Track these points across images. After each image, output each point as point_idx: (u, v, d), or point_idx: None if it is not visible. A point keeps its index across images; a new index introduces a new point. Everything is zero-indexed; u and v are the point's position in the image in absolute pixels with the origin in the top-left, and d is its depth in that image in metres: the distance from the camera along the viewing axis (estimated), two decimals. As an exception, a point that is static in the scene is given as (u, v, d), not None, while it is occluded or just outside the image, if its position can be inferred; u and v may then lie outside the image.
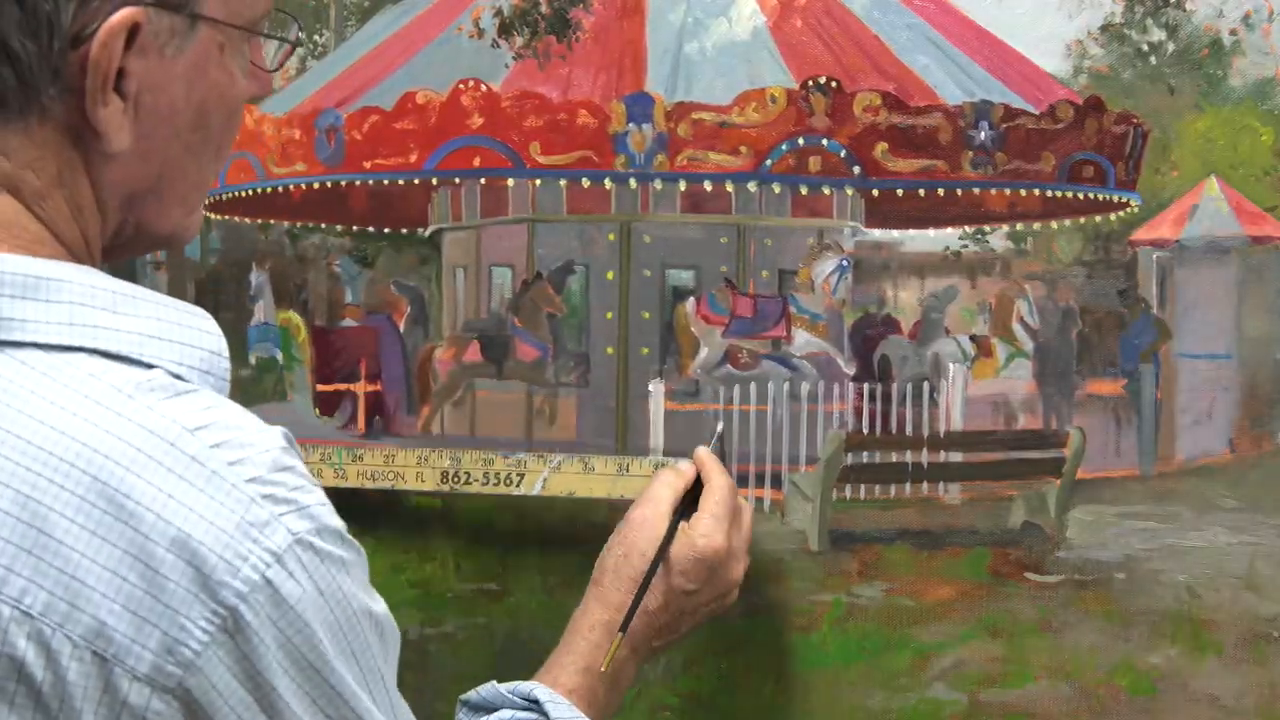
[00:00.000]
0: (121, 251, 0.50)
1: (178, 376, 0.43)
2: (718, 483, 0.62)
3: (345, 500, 0.52)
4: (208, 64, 0.48)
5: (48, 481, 0.41)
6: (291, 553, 0.42)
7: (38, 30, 0.45)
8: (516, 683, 0.57)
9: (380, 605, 0.45)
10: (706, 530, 0.60)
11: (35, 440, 0.42)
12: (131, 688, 0.40)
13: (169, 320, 0.45)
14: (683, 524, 0.60)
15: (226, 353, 0.47)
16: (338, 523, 0.44)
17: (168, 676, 0.40)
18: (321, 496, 0.43)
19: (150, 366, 0.43)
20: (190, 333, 0.46)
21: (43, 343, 0.44)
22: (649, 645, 0.61)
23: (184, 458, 0.41)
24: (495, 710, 0.57)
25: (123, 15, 0.45)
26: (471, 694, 0.59)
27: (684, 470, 0.62)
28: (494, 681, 0.57)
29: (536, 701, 0.57)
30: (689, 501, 0.60)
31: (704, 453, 0.63)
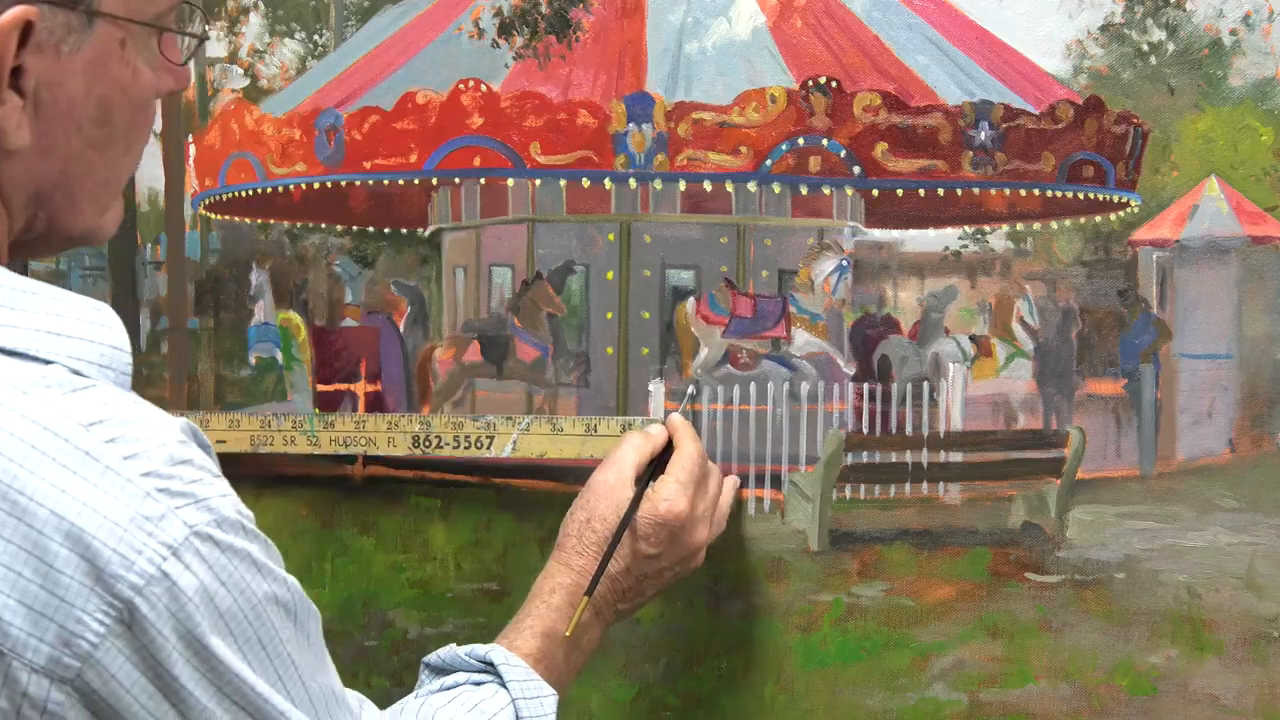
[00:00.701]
0: (36, 247, 0.51)
1: (76, 372, 0.44)
2: (686, 449, 0.62)
3: (345, 501, 0.52)
4: (108, 60, 0.48)
5: None
6: (189, 545, 0.42)
7: None
8: (473, 645, 0.58)
9: (289, 590, 0.45)
10: (669, 494, 0.61)
11: None
12: (30, 679, 0.40)
13: (68, 315, 0.46)
14: (648, 489, 0.60)
15: (127, 346, 0.47)
16: (239, 513, 0.44)
17: (65, 669, 0.41)
18: (223, 488, 0.43)
19: (48, 363, 0.44)
20: (89, 328, 0.46)
21: None
22: (613, 609, 0.62)
23: (77, 453, 0.42)
24: (453, 672, 0.58)
25: (14, 14, 0.45)
26: (432, 656, 0.59)
27: (652, 434, 0.63)
28: (453, 645, 0.58)
29: (491, 664, 0.57)
30: (656, 466, 0.60)
31: (676, 418, 0.64)
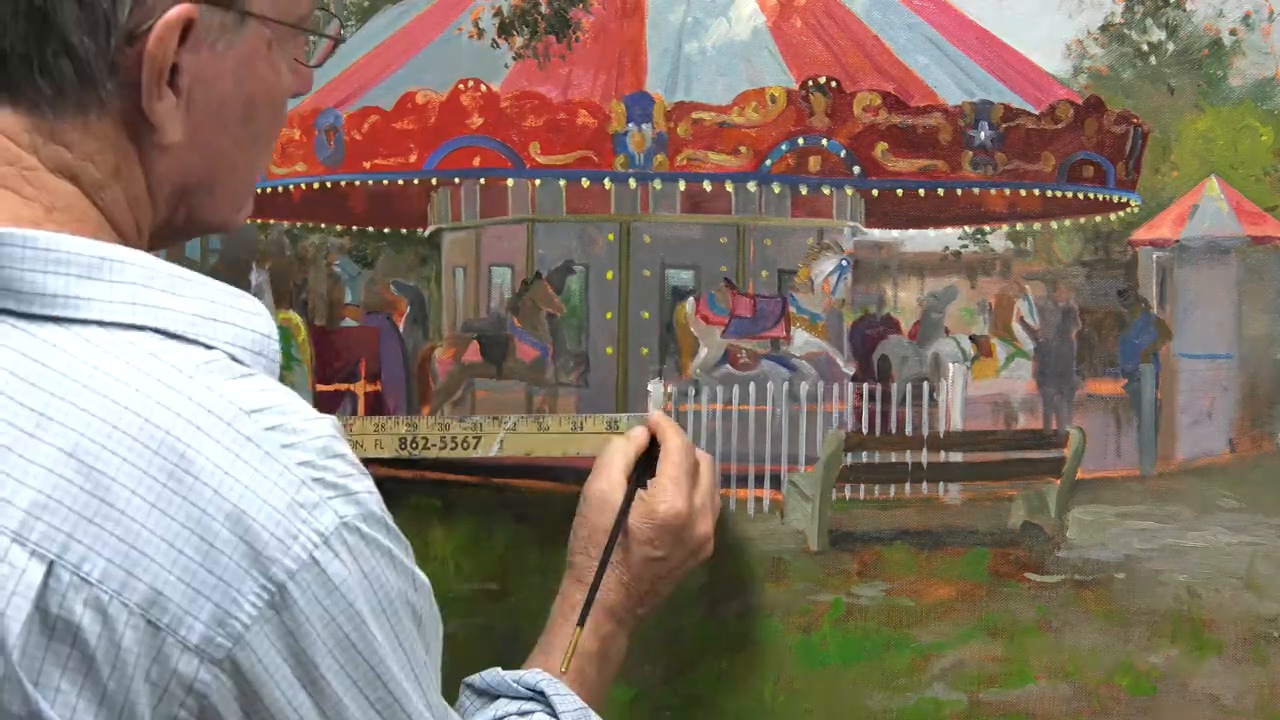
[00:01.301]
0: (173, 237, 0.51)
1: (234, 358, 0.44)
2: (673, 444, 0.62)
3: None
4: (256, 60, 0.49)
5: (110, 453, 0.42)
6: (338, 535, 0.43)
7: (95, 27, 0.46)
8: (521, 671, 0.58)
9: (420, 594, 0.46)
10: (665, 495, 0.61)
11: (99, 414, 0.42)
12: (182, 657, 0.41)
13: (221, 302, 0.46)
14: (640, 492, 0.59)
15: (276, 335, 0.48)
16: (384, 512, 0.45)
17: (217, 648, 0.41)
18: (370, 485, 0.44)
19: (210, 347, 0.44)
20: (242, 315, 0.47)
21: (107, 320, 0.45)
22: (634, 615, 0.61)
23: (240, 437, 0.42)
24: (498, 698, 0.57)
25: (178, 11, 0.46)
26: (476, 678, 0.59)
27: (636, 436, 0.62)
28: (499, 668, 0.58)
29: (542, 693, 0.57)
30: (645, 465, 0.60)
31: (656, 415, 0.63)
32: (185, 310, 0.46)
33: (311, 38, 0.52)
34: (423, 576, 0.46)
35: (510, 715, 0.57)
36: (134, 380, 0.43)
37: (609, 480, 0.61)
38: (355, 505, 0.44)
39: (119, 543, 0.41)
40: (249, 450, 0.42)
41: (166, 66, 0.46)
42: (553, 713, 0.57)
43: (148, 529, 0.42)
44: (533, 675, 0.58)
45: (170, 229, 0.51)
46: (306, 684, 0.42)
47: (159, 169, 0.48)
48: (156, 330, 0.45)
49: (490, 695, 0.58)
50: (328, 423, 0.44)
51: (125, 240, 0.47)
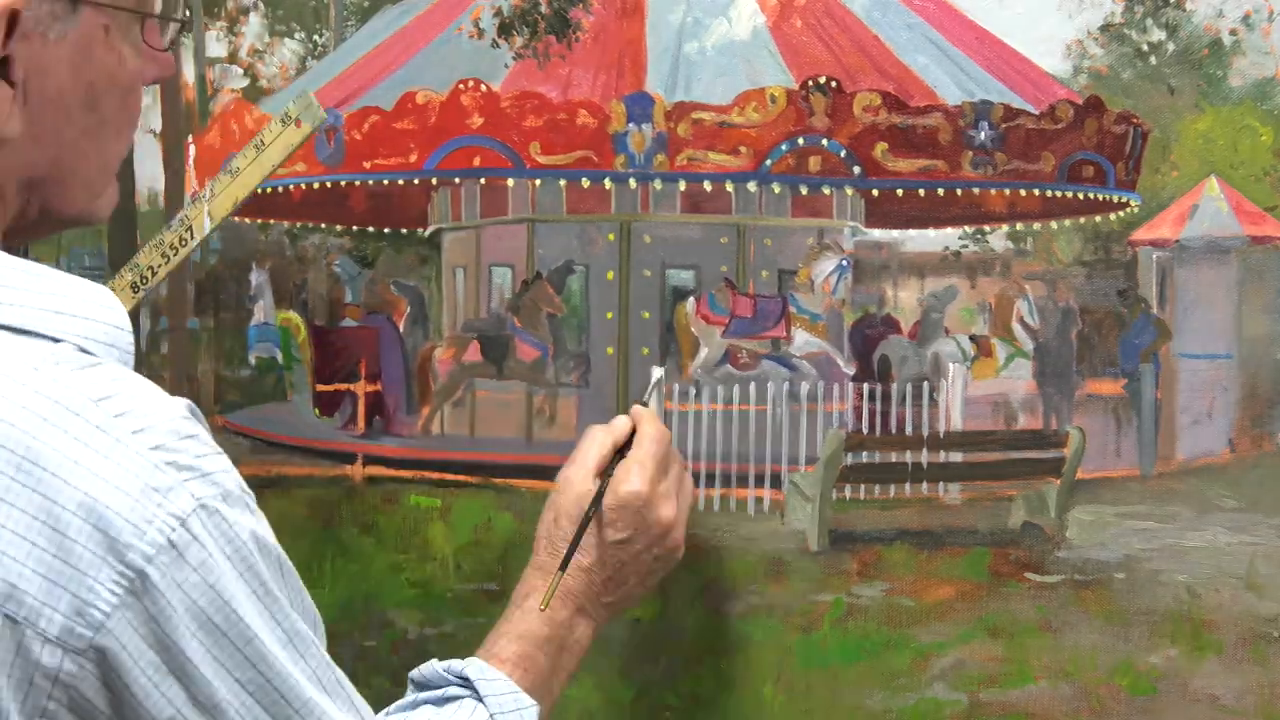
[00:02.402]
0: (31, 232, 0.51)
1: (84, 350, 0.44)
2: (646, 433, 0.61)
3: (345, 501, 0.52)
4: (93, 46, 0.48)
5: None
6: (195, 517, 0.42)
7: None
8: (453, 660, 0.57)
9: (288, 575, 0.45)
10: (627, 476, 0.60)
11: None
12: (44, 650, 0.41)
13: (72, 295, 0.46)
14: (609, 478, 0.59)
15: (129, 326, 0.48)
16: (242, 489, 0.44)
17: (78, 638, 0.41)
18: (225, 463, 0.43)
19: (57, 340, 0.44)
20: (93, 307, 0.46)
21: None
22: (598, 603, 0.60)
23: (89, 426, 0.42)
24: (433, 688, 0.57)
25: (0, 4, 0.45)
26: (415, 671, 0.58)
27: (615, 427, 0.62)
28: (434, 659, 0.57)
29: (467, 679, 0.56)
30: (619, 456, 0.59)
31: (638, 407, 0.63)
32: (32, 305, 0.45)
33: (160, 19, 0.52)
34: (282, 553, 0.46)
35: (428, 703, 0.56)
36: None
37: (580, 469, 0.61)
38: (212, 485, 0.43)
39: None
40: (98, 438, 0.42)
41: None
42: (479, 697, 0.56)
43: None
44: (462, 662, 0.57)
45: (26, 223, 0.50)
46: (174, 669, 0.42)
47: (1, 163, 0.48)
48: (2, 326, 0.45)
49: (426, 686, 0.58)
50: (181, 405, 0.44)
51: None
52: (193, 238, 0.59)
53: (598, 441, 0.61)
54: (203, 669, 0.41)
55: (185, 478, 0.42)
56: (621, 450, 0.59)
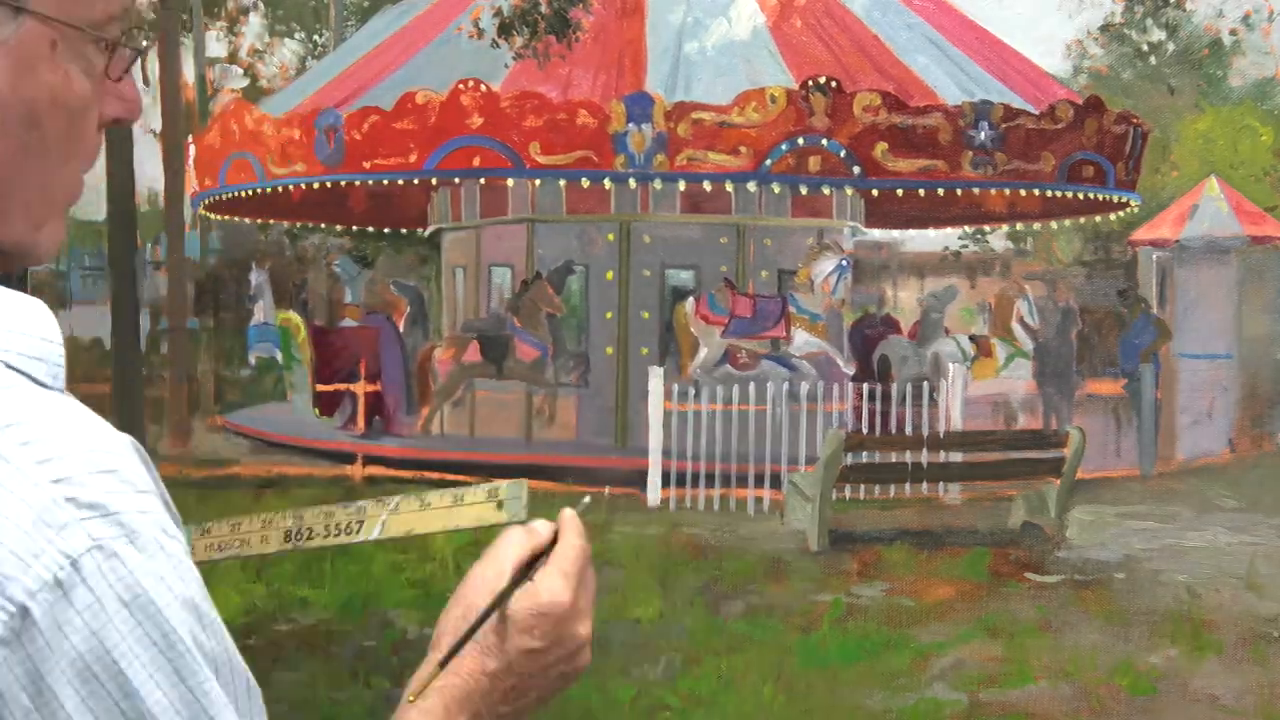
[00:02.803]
0: None
1: (9, 366, 0.42)
2: (572, 542, 0.59)
3: (344, 502, 0.52)
4: (36, 61, 0.46)
5: None
6: (90, 557, 0.40)
7: None
8: None
9: (203, 626, 0.42)
10: (551, 585, 0.57)
11: None
12: None
13: None
14: (528, 583, 0.57)
15: (59, 338, 0.45)
16: (161, 531, 0.41)
17: None
18: (144, 504, 0.41)
19: None
20: (19, 320, 0.44)
21: None
22: (494, 710, 0.57)
23: None
24: None
25: None
26: None
27: (537, 529, 0.59)
28: None
29: None
30: (537, 561, 0.57)
31: (567, 512, 0.60)
32: None
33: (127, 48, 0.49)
34: (210, 610, 0.43)
35: None
36: None
37: (496, 567, 0.58)
38: (115, 526, 0.41)
39: None
40: None
41: None
42: None
43: None
44: None
45: None
46: (45, 715, 0.40)
47: None
48: None
49: None
50: (106, 437, 0.41)
51: None
52: (356, 535, 0.57)
53: (516, 542, 0.59)
54: (74, 716, 0.39)
55: (84, 515, 0.39)
56: (538, 557, 0.57)
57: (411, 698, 0.53)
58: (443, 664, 0.54)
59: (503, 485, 0.55)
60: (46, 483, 0.39)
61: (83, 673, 0.39)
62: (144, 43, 0.49)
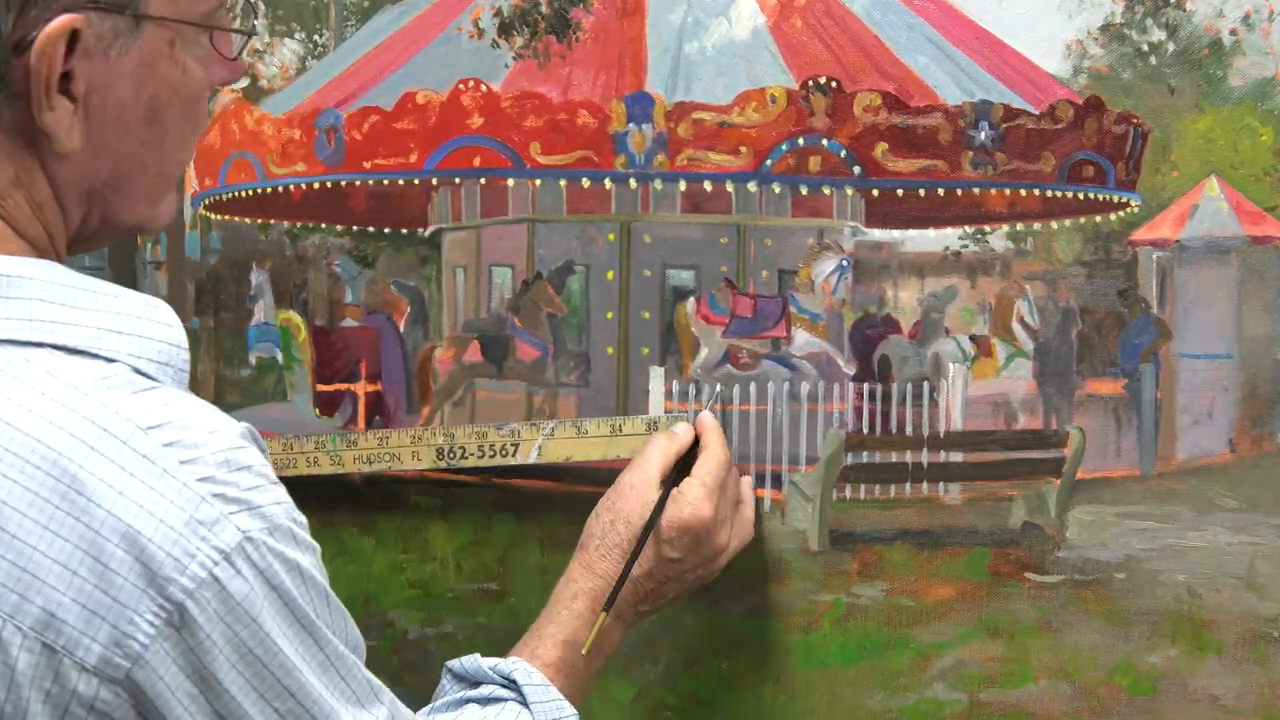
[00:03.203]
0: (93, 241, 0.51)
1: (139, 371, 0.44)
2: (714, 451, 0.62)
3: (345, 500, 0.52)
4: (157, 61, 0.49)
5: (2, 476, 0.41)
6: (240, 551, 0.42)
7: None
8: (498, 659, 0.57)
9: (333, 610, 0.45)
10: (694, 499, 0.60)
11: None
12: (80, 678, 0.41)
13: (128, 314, 0.46)
14: (672, 491, 0.59)
15: (185, 344, 0.48)
16: (293, 521, 0.44)
17: (115, 668, 0.41)
18: (278, 495, 0.43)
19: (111, 361, 0.44)
20: (149, 325, 0.46)
21: (3, 338, 0.44)
22: (634, 611, 0.61)
23: (135, 455, 0.42)
24: (477, 684, 0.57)
25: (60, 22, 0.45)
26: (455, 663, 0.58)
27: (679, 435, 0.62)
28: (478, 655, 0.57)
29: (514, 682, 0.56)
30: (682, 467, 0.59)
31: (706, 417, 0.63)
32: (88, 324, 0.45)
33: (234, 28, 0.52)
34: (327, 585, 0.46)
35: (473, 702, 0.56)
36: (27, 400, 0.42)
37: (644, 475, 0.61)
38: (260, 519, 0.43)
39: (11, 566, 0.41)
40: (144, 468, 0.42)
41: (54, 77, 0.46)
42: (524, 702, 0.56)
43: (40, 552, 0.41)
44: (509, 663, 0.57)
45: (87, 232, 0.50)
46: (211, 700, 0.41)
47: (62, 175, 0.48)
48: (55, 346, 0.44)
49: (468, 680, 0.57)
50: (233, 434, 0.43)
51: (36, 248, 0.46)
52: (511, 457, 0.59)
53: (661, 449, 0.61)
54: (240, 700, 0.41)
55: (232, 510, 0.42)
56: (683, 461, 0.59)
57: (585, 651, 0.56)
58: (606, 608, 0.56)
59: (662, 417, 0.56)
60: (194, 481, 0.41)
61: (245, 656, 0.41)
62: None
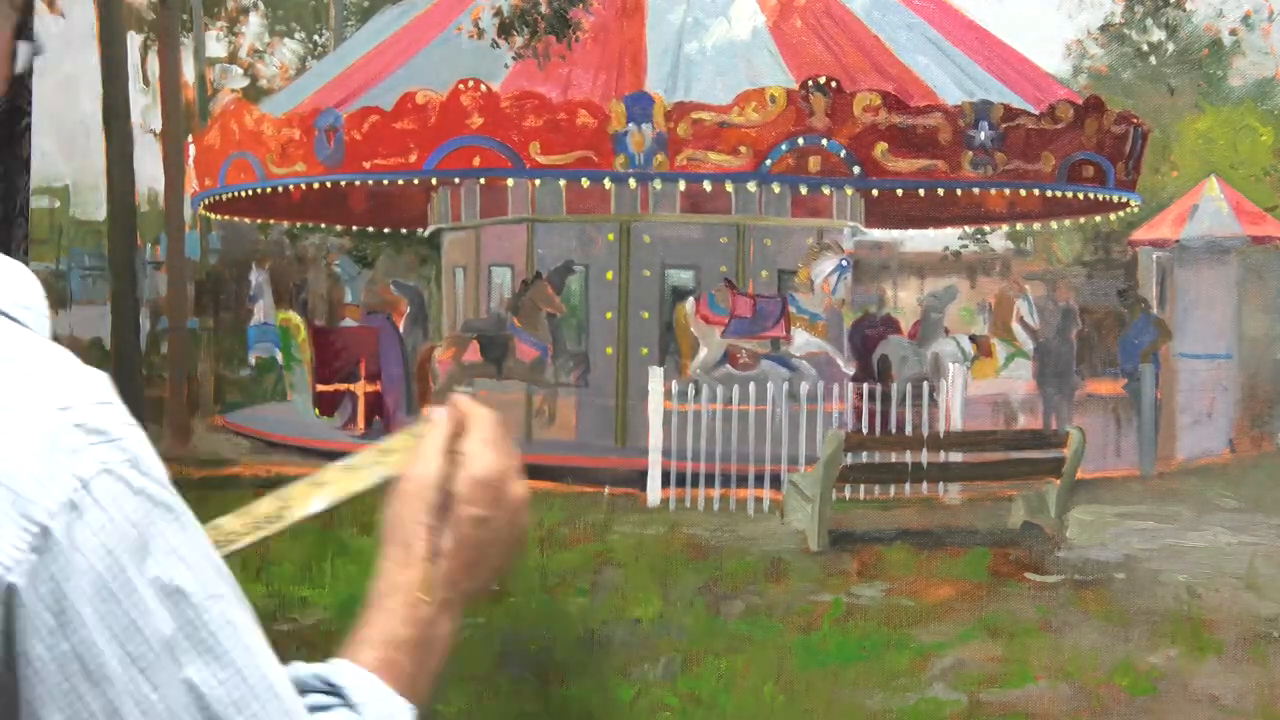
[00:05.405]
0: None
1: (4, 313, 0.44)
2: (481, 413, 0.60)
3: (345, 500, 0.52)
4: None
5: None
6: (101, 480, 0.41)
7: None
8: (317, 665, 0.54)
9: (204, 548, 0.44)
10: (479, 453, 0.58)
11: None
12: None
13: None
14: (456, 456, 0.57)
15: (42, 293, 0.47)
16: (155, 463, 0.43)
17: None
18: (140, 436, 0.43)
19: None
20: (8, 275, 0.46)
21: None
22: (457, 591, 0.58)
23: None
24: (304, 693, 0.54)
25: None
26: (289, 669, 0.56)
27: (440, 418, 0.60)
28: (298, 662, 0.55)
29: (334, 686, 0.54)
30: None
31: (458, 397, 0.61)
32: None
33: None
34: (193, 517, 0.45)
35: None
36: None
37: (420, 460, 0.59)
38: (120, 451, 0.42)
39: None
40: (5, 396, 0.42)
41: None
42: (350, 705, 0.53)
43: None
44: (326, 667, 0.54)
45: None
46: (67, 633, 0.41)
47: None
48: None
49: (301, 689, 0.55)
50: (98, 376, 0.43)
51: None
52: (287, 519, 0.56)
53: (430, 435, 0.59)
54: (95, 636, 0.40)
55: (93, 441, 0.41)
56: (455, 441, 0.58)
57: (427, 597, 0.54)
58: (432, 557, 0.54)
59: (419, 426, 0.56)
60: (54, 410, 0.41)
61: (101, 590, 0.40)
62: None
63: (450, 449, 0.57)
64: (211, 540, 0.49)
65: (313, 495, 0.56)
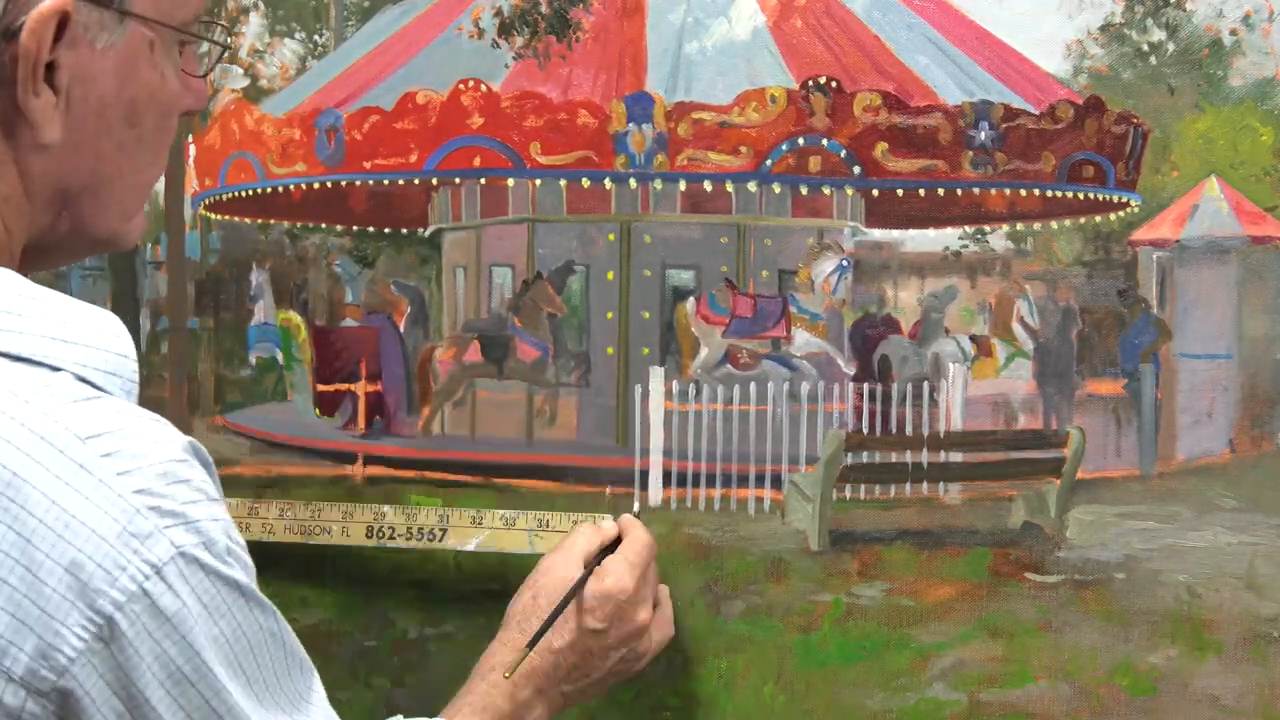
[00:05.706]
0: (57, 254, 0.50)
1: (84, 380, 0.43)
2: (638, 535, 0.61)
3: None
4: (138, 60, 0.48)
5: None
6: (173, 565, 0.41)
7: None
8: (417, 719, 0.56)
9: (278, 623, 0.44)
10: (615, 570, 0.59)
11: None
12: (7, 688, 0.40)
13: (75, 322, 0.45)
14: (595, 568, 0.58)
15: (134, 354, 0.47)
16: (229, 539, 0.43)
17: (42, 680, 0.40)
18: (216, 512, 0.42)
19: (55, 369, 0.43)
20: (96, 335, 0.45)
21: None
22: (558, 688, 0.59)
23: (72, 465, 0.41)
24: None
25: (52, 4, 0.45)
26: None
27: (604, 527, 0.61)
28: (400, 716, 0.56)
29: None
30: (605, 554, 0.59)
31: (628, 517, 0.63)
32: (32, 331, 0.44)
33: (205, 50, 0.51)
34: (270, 604, 0.45)
35: None
36: None
37: (566, 556, 0.60)
38: (195, 534, 0.42)
39: None
40: (80, 478, 0.41)
41: (41, 61, 0.45)
42: None
43: None
44: None
45: (54, 239, 0.49)
46: (137, 717, 0.41)
47: (36, 169, 0.47)
48: (1, 354, 0.44)
49: None
50: (176, 447, 0.43)
51: None
52: (439, 541, 0.58)
53: (586, 536, 0.61)
54: (166, 717, 0.40)
55: (167, 524, 0.41)
56: (606, 550, 0.59)
57: (508, 674, 0.55)
58: (530, 645, 0.55)
59: (593, 517, 0.57)
60: (129, 493, 0.41)
61: (174, 674, 0.40)
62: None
63: (597, 557, 0.58)
64: (372, 525, 0.49)
65: (471, 535, 0.57)
